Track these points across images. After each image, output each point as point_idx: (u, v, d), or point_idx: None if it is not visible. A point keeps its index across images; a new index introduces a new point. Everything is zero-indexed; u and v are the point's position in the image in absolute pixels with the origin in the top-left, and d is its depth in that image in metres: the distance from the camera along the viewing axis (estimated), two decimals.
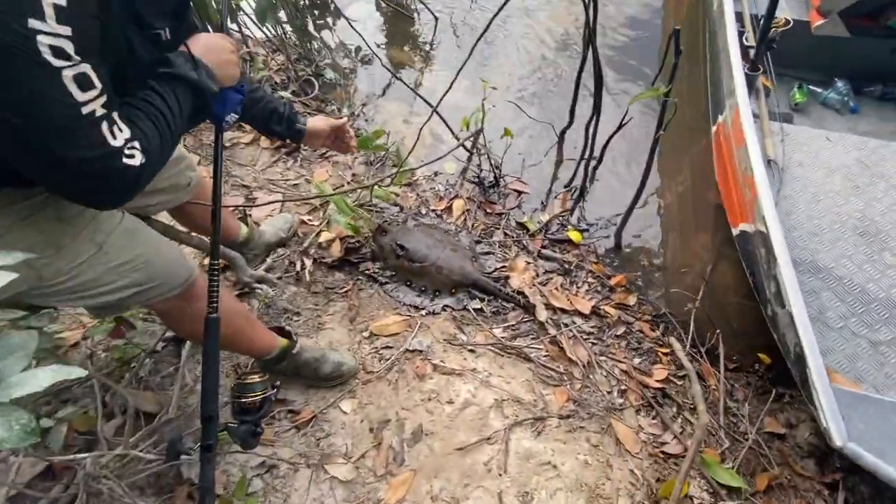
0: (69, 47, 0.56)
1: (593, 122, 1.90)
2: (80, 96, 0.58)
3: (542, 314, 1.72)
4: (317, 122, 1.29)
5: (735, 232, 1.91)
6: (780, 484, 1.43)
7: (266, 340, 1.30)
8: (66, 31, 0.55)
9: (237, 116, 0.90)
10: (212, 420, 0.92)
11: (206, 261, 1.75)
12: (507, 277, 1.82)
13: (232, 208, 1.81)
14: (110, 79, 0.63)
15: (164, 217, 1.34)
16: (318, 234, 1.93)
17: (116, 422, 1.19)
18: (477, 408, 1.48)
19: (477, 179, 2.24)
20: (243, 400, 1.07)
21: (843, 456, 1.20)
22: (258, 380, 1.12)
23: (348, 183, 2.18)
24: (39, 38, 0.54)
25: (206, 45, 0.81)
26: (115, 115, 0.63)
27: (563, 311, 1.77)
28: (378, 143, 1.65)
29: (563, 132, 2.34)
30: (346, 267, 1.84)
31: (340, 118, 1.38)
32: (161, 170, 0.75)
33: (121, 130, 0.63)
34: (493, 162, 2.17)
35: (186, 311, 1.06)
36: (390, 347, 1.61)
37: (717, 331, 1.74)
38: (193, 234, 1.47)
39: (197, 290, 1.03)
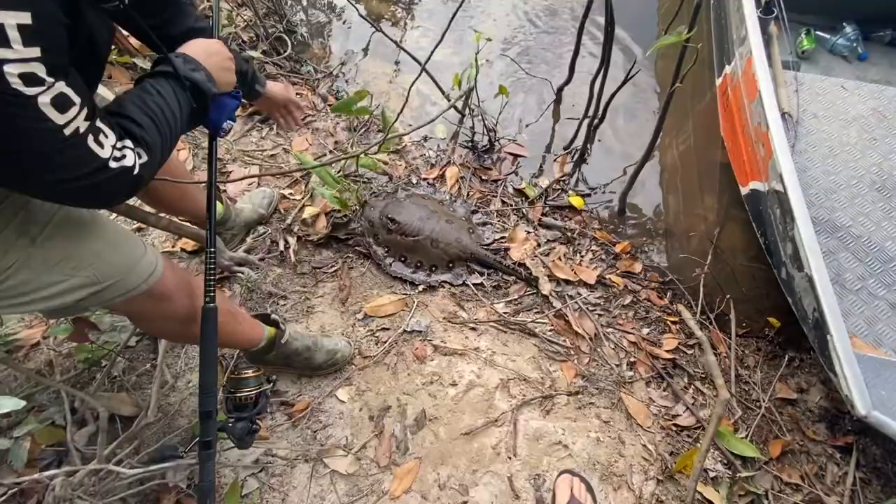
0: (40, 70, 0.53)
1: (600, 76, 1.74)
2: (60, 119, 0.55)
3: (546, 287, 1.63)
4: (275, 88, 1.20)
5: (744, 191, 1.81)
6: (791, 450, 1.40)
7: (252, 331, 1.18)
8: (35, 52, 0.52)
9: (233, 123, 0.88)
10: (211, 416, 0.89)
11: (178, 246, 1.63)
12: (506, 249, 1.71)
13: (203, 184, 1.64)
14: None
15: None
16: (300, 210, 1.78)
17: (90, 429, 1.07)
18: (482, 389, 1.41)
19: (470, 143, 2.09)
20: (238, 395, 1.04)
21: (864, 423, 1.16)
22: (252, 374, 1.08)
23: (331, 152, 2.00)
24: (6, 68, 0.50)
25: (205, 50, 0.80)
26: (97, 122, 0.60)
27: (568, 282, 1.67)
28: (361, 105, 1.48)
29: (560, 88, 2.18)
30: (334, 244, 1.71)
31: (300, 101, 1.27)
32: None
33: (106, 136, 0.61)
34: (486, 124, 2.01)
35: (155, 312, 0.92)
36: (387, 329, 1.50)
37: (728, 296, 1.67)
38: (162, 215, 1.31)
39: (165, 286, 0.89)
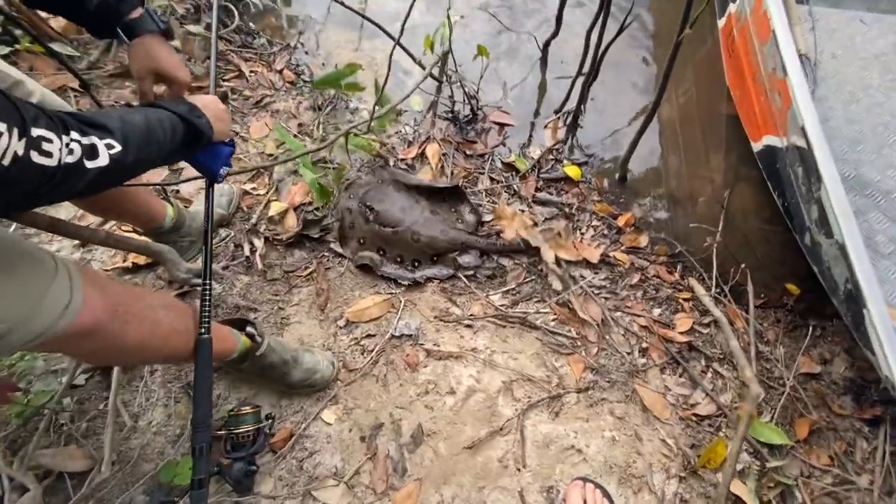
0: None
1: (598, 24, 1.52)
2: None
3: (549, 255, 1.47)
4: (161, 47, 0.86)
5: (757, 147, 1.64)
6: (818, 428, 1.30)
7: (224, 343, 1.03)
8: None
9: (229, 169, 0.92)
10: (203, 453, 0.85)
11: (130, 260, 1.42)
12: (499, 232, 1.54)
13: (148, 186, 1.43)
14: None
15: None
16: (266, 206, 1.58)
17: (33, 494, 0.92)
18: (483, 395, 1.27)
19: (450, 115, 1.87)
20: (236, 433, 1.05)
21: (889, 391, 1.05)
22: (250, 411, 1.10)
23: (296, 136, 1.78)
24: None
25: (204, 102, 0.82)
26: (33, 131, 0.52)
27: (570, 262, 1.52)
28: (350, 81, 1.26)
29: (547, 44, 1.95)
30: (307, 243, 1.53)
31: (190, 82, 0.92)
32: None
33: (50, 141, 0.54)
34: (467, 91, 1.79)
35: (87, 349, 0.75)
36: (372, 336, 1.35)
37: (742, 265, 1.53)
38: (101, 228, 1.12)
39: (89, 319, 0.71)
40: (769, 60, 1.49)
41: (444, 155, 1.75)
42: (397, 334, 1.35)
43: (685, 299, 1.51)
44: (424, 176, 1.68)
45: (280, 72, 1.98)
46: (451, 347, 1.34)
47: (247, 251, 1.47)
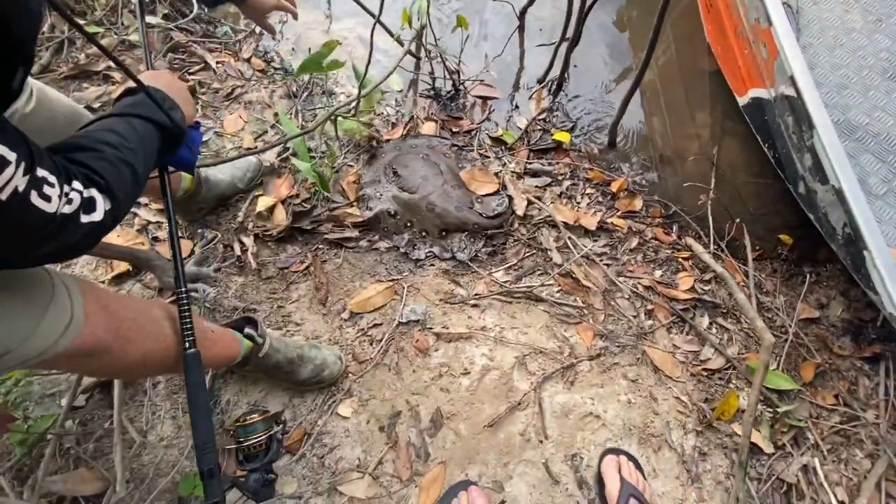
0: None
1: None
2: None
3: (521, 206, 1.50)
4: None
5: (743, 101, 1.64)
6: (822, 371, 1.34)
7: (227, 351, 0.99)
8: None
9: (199, 156, 0.86)
10: (213, 475, 0.78)
11: (114, 270, 1.36)
12: (514, 211, 1.52)
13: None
14: None
15: None
16: (252, 202, 1.52)
17: None
18: (497, 372, 1.26)
19: (432, 92, 1.81)
20: (247, 444, 0.98)
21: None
22: (259, 419, 1.03)
23: (273, 126, 1.71)
24: None
25: (167, 85, 0.76)
26: (38, 170, 0.49)
27: (569, 226, 1.50)
28: (332, 59, 1.20)
29: (523, 11, 1.89)
30: (299, 236, 1.47)
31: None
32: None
33: (51, 185, 0.50)
34: (448, 65, 1.74)
35: (90, 366, 0.72)
36: (379, 325, 1.32)
37: (738, 220, 1.54)
38: None
39: (91, 338, 0.67)
40: (752, 12, 1.48)
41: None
42: (404, 321, 1.32)
43: (684, 258, 1.53)
44: None
45: (248, 60, 1.88)
46: (460, 328, 1.32)
47: (237, 251, 1.41)
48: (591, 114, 1.83)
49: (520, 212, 1.51)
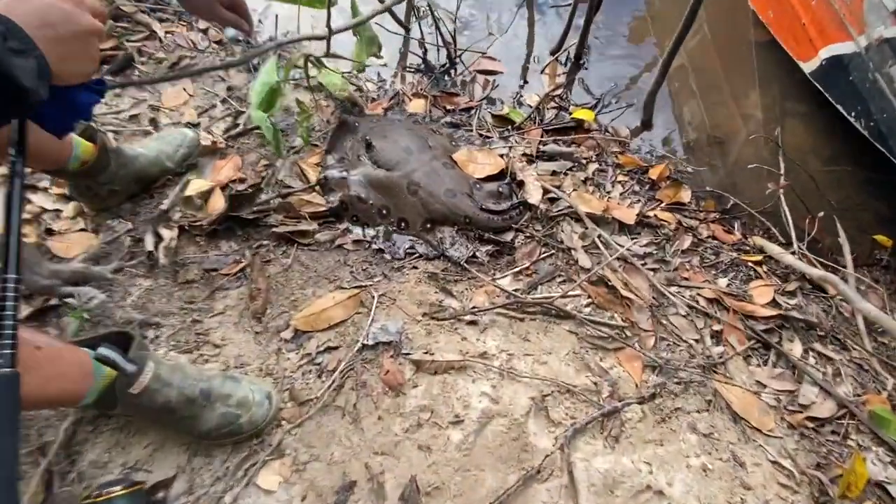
0: None
1: None
2: None
3: (535, 196, 1.12)
4: None
5: (810, 66, 1.30)
6: None
7: (62, 381, 0.62)
8: None
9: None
10: None
11: None
12: (523, 203, 1.15)
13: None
14: None
15: None
16: (184, 186, 1.16)
17: None
18: (504, 421, 0.85)
19: (422, 65, 1.49)
20: None
21: None
22: (121, 492, 0.67)
23: (224, 101, 1.38)
24: None
25: (39, 10, 0.46)
26: None
27: (597, 219, 1.13)
28: None
29: None
30: (238, 230, 1.10)
31: None
32: None
33: None
34: (441, 31, 1.42)
35: None
36: (334, 349, 0.92)
37: (821, 214, 1.17)
38: None
39: None
40: None
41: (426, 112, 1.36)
42: (370, 343, 0.92)
43: (754, 262, 1.13)
44: None
45: (205, 31, 1.57)
46: (449, 355, 0.92)
47: (149, 245, 1.03)
48: (617, 90, 1.49)
49: (535, 201, 1.14)
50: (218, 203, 1.14)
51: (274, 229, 1.09)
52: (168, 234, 1.06)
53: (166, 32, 1.54)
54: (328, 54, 1.21)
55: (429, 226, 1.09)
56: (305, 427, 0.83)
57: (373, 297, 0.99)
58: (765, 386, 0.95)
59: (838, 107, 1.23)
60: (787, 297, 1.07)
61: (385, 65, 1.51)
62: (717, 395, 0.92)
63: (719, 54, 1.62)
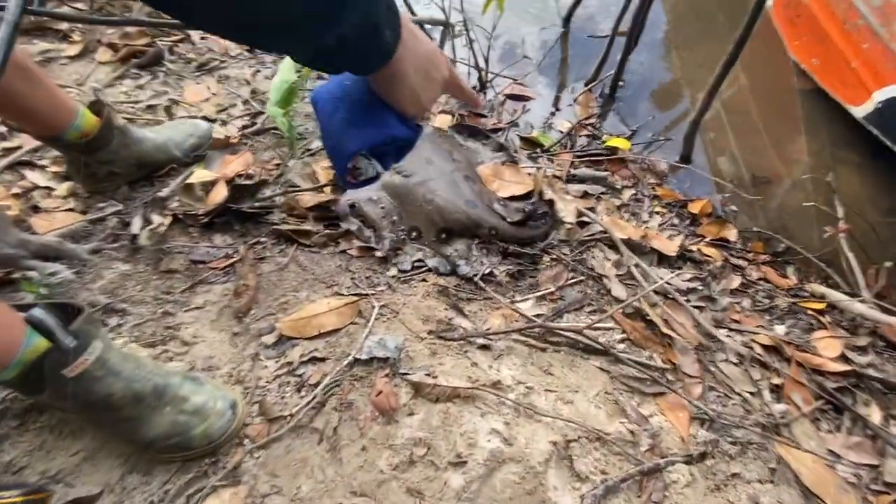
0: None
1: None
2: None
3: (570, 213, 0.99)
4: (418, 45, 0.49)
5: (864, 111, 1.22)
6: None
7: None
8: None
9: (380, 173, 0.55)
10: None
11: None
12: (547, 212, 1.04)
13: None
14: None
15: None
16: (187, 176, 1.08)
17: None
18: (518, 467, 0.68)
19: None
20: None
21: None
22: (15, 499, 0.53)
23: (245, 102, 1.34)
24: None
25: (425, 48, 0.49)
26: None
27: (633, 247, 1.00)
28: None
29: (569, 14, 1.60)
30: (236, 224, 1.01)
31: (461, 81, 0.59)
32: None
33: None
34: (476, 54, 1.39)
35: None
36: (320, 360, 0.79)
37: (887, 264, 1.03)
38: None
39: None
40: None
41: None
42: (364, 357, 0.78)
43: (814, 310, 0.98)
44: None
45: None
46: (456, 380, 0.77)
47: (135, 228, 0.94)
48: (653, 124, 1.42)
49: (570, 219, 1.02)
50: (219, 195, 1.05)
51: (277, 227, 1.00)
52: (159, 219, 0.97)
53: (201, 37, 1.56)
54: None
55: (443, 236, 0.98)
56: (272, 450, 0.67)
57: (373, 308, 0.86)
58: (840, 457, 0.77)
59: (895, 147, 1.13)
60: (857, 353, 0.91)
61: None
62: (783, 462, 0.74)
63: (757, 103, 1.56)
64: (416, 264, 0.96)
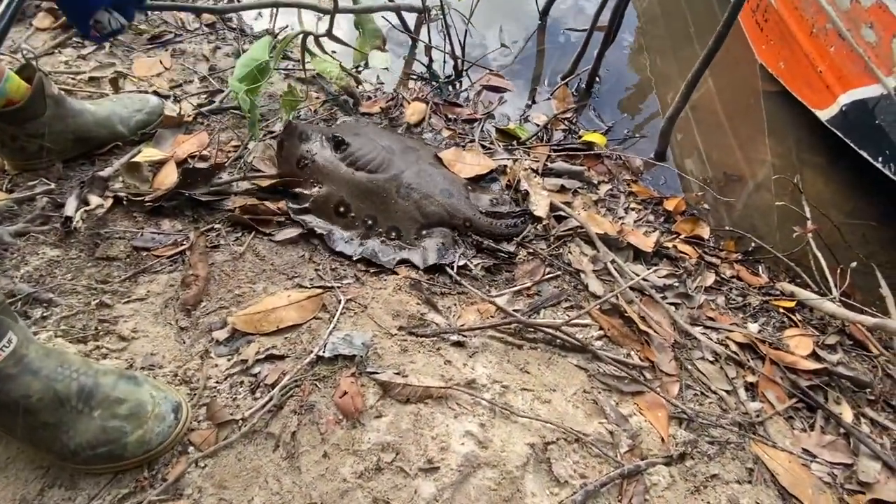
0: None
1: None
2: None
3: (542, 207, 0.97)
4: None
5: (828, 114, 1.25)
6: None
7: None
8: None
9: (123, 25, 0.57)
10: None
11: None
12: (528, 212, 1.00)
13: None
14: None
15: None
16: (133, 155, 0.98)
17: None
18: (493, 472, 0.64)
19: (427, 73, 1.40)
20: None
21: None
22: None
23: (203, 79, 1.24)
24: None
25: None
26: None
27: (610, 243, 0.97)
28: None
29: (546, 9, 1.58)
30: (187, 210, 0.92)
31: None
32: None
33: None
34: (451, 42, 1.34)
35: None
36: (279, 358, 0.71)
37: (854, 264, 1.04)
38: None
39: None
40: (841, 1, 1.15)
41: (426, 118, 1.24)
42: (327, 355, 0.72)
43: (785, 309, 0.99)
44: None
45: (198, 14, 1.47)
46: (428, 379, 0.71)
47: (69, 210, 0.83)
48: (631, 120, 1.41)
49: (541, 213, 0.99)
50: (169, 177, 0.96)
51: (230, 213, 0.91)
52: (97, 201, 0.87)
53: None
54: (329, 34, 1.11)
55: (424, 233, 0.92)
56: (220, 458, 0.60)
57: (339, 301, 0.80)
58: (815, 456, 0.76)
59: (862, 152, 1.15)
60: (827, 352, 0.91)
61: (387, 69, 1.41)
62: (760, 463, 0.73)
63: (724, 105, 1.58)
64: (400, 260, 0.89)
